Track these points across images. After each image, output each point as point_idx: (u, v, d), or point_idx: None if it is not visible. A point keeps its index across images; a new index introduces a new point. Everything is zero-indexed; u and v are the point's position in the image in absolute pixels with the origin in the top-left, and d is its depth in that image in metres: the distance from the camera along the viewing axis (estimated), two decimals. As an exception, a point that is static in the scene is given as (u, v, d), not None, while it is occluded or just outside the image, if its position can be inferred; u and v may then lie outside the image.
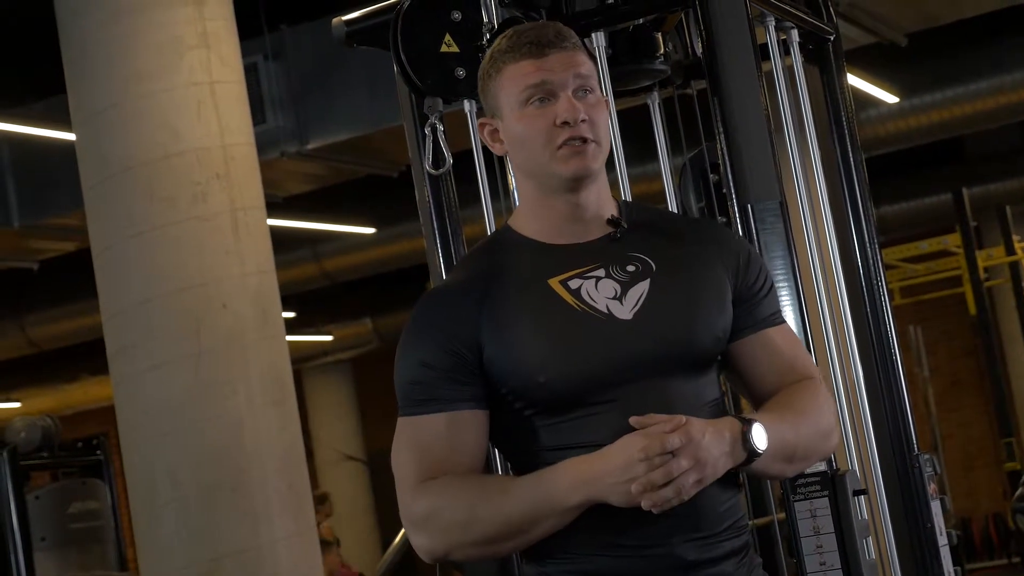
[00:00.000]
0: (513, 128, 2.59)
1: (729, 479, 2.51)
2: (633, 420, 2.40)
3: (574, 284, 2.55)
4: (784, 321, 2.72)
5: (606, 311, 2.53)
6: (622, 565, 2.47)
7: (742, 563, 2.55)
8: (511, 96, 2.58)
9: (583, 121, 2.54)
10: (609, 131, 2.62)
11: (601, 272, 2.57)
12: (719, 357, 2.63)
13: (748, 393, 2.69)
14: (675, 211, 3.74)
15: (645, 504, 2.35)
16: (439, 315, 2.57)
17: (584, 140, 2.55)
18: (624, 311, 2.53)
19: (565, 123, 2.54)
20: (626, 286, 2.56)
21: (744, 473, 2.55)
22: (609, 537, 2.47)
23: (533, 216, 2.64)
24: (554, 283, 2.55)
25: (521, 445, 2.56)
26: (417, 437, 2.54)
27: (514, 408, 2.53)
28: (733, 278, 2.63)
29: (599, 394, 2.49)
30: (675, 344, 2.52)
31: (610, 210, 2.64)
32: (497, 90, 2.61)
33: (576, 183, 2.57)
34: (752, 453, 2.44)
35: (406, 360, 2.57)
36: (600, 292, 2.55)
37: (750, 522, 2.68)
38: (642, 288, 2.55)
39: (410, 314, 2.61)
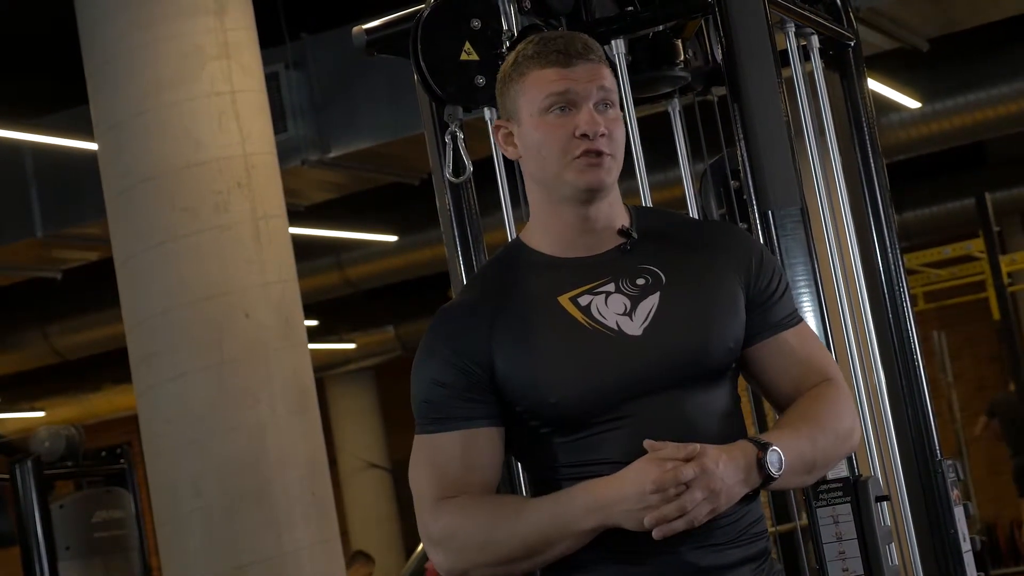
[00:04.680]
0: (530, 134, 2.58)
1: None
2: (647, 444, 2.39)
3: (584, 301, 2.55)
4: (801, 320, 2.69)
5: (616, 328, 2.52)
6: (635, 572, 2.47)
7: (759, 569, 2.55)
8: (532, 101, 2.57)
9: (602, 135, 2.54)
10: (623, 147, 2.60)
11: (611, 287, 2.56)
12: (733, 365, 2.61)
13: (767, 395, 2.68)
14: (695, 217, 3.73)
15: (656, 535, 2.36)
16: (451, 334, 2.57)
17: (601, 153, 2.54)
18: (634, 327, 2.52)
19: (584, 135, 2.53)
20: (636, 300, 2.55)
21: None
22: (622, 544, 2.46)
23: (543, 228, 2.63)
24: (564, 300, 2.55)
25: (540, 461, 2.56)
26: (433, 455, 2.55)
27: (530, 426, 2.54)
28: (746, 283, 2.62)
29: (612, 411, 2.48)
30: (686, 358, 2.51)
31: (621, 220, 2.63)
32: (517, 94, 2.60)
33: (589, 195, 2.56)
34: (767, 478, 2.44)
35: (420, 379, 2.58)
36: (610, 308, 2.54)
37: (771, 528, 2.66)
38: (652, 302, 2.54)
39: (424, 333, 2.62)
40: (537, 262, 2.61)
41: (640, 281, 2.57)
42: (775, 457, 2.43)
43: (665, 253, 2.61)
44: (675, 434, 2.43)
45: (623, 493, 2.38)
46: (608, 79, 2.58)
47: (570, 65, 2.55)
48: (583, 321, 2.52)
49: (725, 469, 2.38)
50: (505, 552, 2.48)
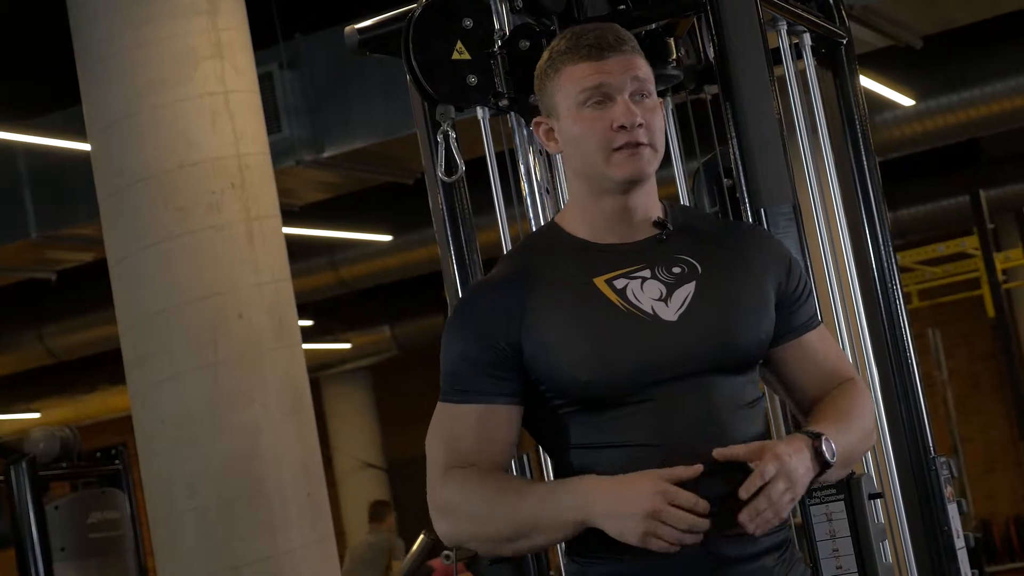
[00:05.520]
0: (569, 129, 2.61)
1: None
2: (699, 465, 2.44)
3: (620, 284, 2.57)
4: (821, 322, 2.75)
5: (651, 312, 2.55)
6: (663, 563, 2.49)
7: (782, 558, 2.59)
8: (568, 97, 2.60)
9: (639, 125, 2.57)
10: (664, 134, 2.64)
11: (647, 273, 2.59)
12: (761, 360, 2.65)
13: (789, 397, 2.73)
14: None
15: (752, 529, 2.44)
16: (482, 308, 2.60)
17: (639, 144, 2.57)
18: (669, 312, 2.55)
19: (622, 127, 2.56)
20: (671, 288, 2.58)
21: None
22: None
23: (581, 215, 2.66)
24: (599, 282, 2.58)
25: (558, 440, 2.59)
26: (450, 425, 2.59)
27: (552, 404, 2.56)
28: (776, 285, 2.66)
29: (639, 394, 2.51)
30: (719, 346, 2.55)
31: (657, 212, 2.66)
32: (554, 90, 2.63)
33: (629, 186, 2.60)
34: (825, 465, 2.49)
35: (448, 349, 2.62)
36: (646, 293, 2.57)
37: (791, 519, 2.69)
38: (688, 290, 2.58)
39: (455, 302, 2.64)
40: (573, 245, 2.64)
41: (676, 269, 2.60)
42: (828, 446, 2.49)
43: (700, 246, 2.65)
44: (699, 419, 2.49)
45: (620, 496, 2.42)
46: (642, 69, 2.62)
47: (603, 58, 2.58)
48: (618, 303, 2.56)
49: (796, 460, 2.44)
50: (501, 529, 2.52)
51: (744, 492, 2.42)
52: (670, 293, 2.57)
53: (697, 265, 2.61)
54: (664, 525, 2.37)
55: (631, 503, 2.39)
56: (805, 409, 2.69)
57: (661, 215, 2.66)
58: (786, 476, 2.41)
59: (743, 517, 2.40)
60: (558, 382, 2.53)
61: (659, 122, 2.61)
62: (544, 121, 2.69)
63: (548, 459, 2.70)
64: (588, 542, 2.53)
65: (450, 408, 2.60)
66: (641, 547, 2.41)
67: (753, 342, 2.59)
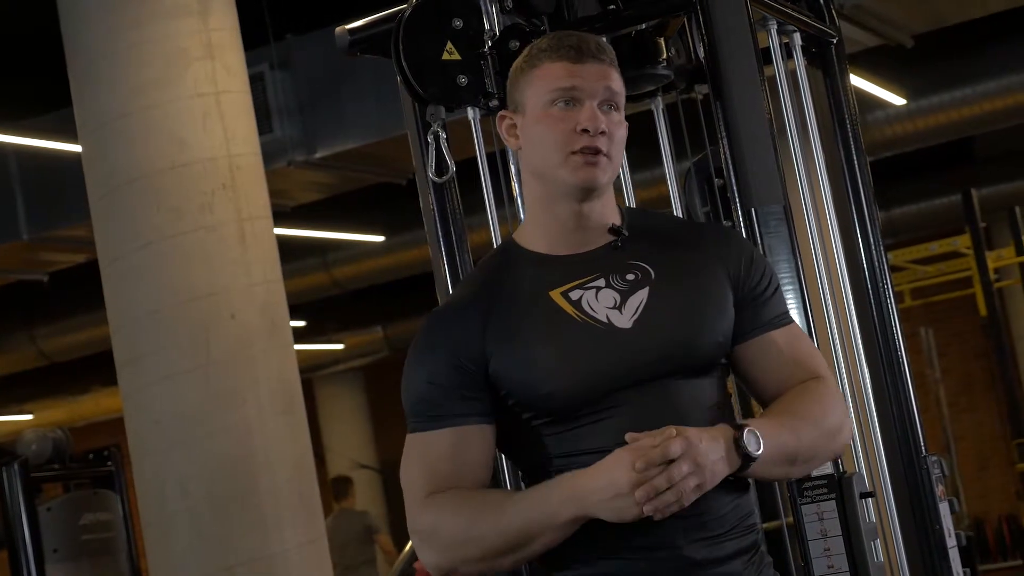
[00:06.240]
0: (533, 125, 2.62)
1: (733, 479, 2.52)
2: (628, 437, 2.41)
3: (575, 295, 2.58)
4: (791, 321, 2.72)
5: (606, 320, 2.56)
6: (632, 568, 2.50)
7: (751, 561, 2.57)
8: (539, 93, 2.61)
9: (602, 133, 2.57)
10: (622, 150, 2.64)
11: (601, 282, 2.60)
12: (723, 360, 2.64)
13: (756, 395, 2.71)
14: (680, 216, 3.74)
15: (647, 509, 2.37)
16: (445, 332, 2.61)
17: (598, 152, 2.57)
18: (624, 320, 2.56)
19: (585, 131, 2.57)
20: (625, 295, 2.58)
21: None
22: (618, 541, 2.49)
23: (537, 226, 2.67)
24: (555, 295, 2.59)
25: (530, 454, 2.59)
26: (425, 453, 2.57)
27: (522, 418, 2.57)
28: (734, 281, 2.64)
29: (603, 402, 2.51)
30: (675, 349, 2.54)
31: (613, 219, 2.66)
32: (526, 85, 2.64)
33: (583, 193, 2.60)
34: (746, 458, 2.45)
35: (413, 378, 2.61)
36: (600, 302, 2.58)
37: (759, 523, 2.68)
38: (641, 296, 2.58)
39: (416, 333, 2.64)
40: (529, 259, 2.65)
41: (630, 276, 2.60)
42: (752, 438, 2.45)
43: (655, 251, 2.64)
44: (664, 424, 2.44)
45: (597, 483, 2.41)
46: (616, 82, 2.63)
47: (581, 62, 2.60)
48: (574, 314, 2.56)
49: (708, 445, 2.40)
50: (488, 546, 2.50)
51: (631, 438, 2.39)
52: (624, 300, 2.58)
53: (651, 270, 2.61)
54: (651, 487, 2.35)
55: (612, 484, 2.38)
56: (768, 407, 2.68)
57: (617, 222, 2.66)
58: (692, 460, 2.37)
59: (639, 493, 2.35)
60: (523, 396, 2.54)
61: (621, 136, 2.62)
62: (509, 115, 2.69)
63: (523, 476, 2.68)
64: (558, 552, 2.53)
65: (422, 437, 2.58)
66: (649, 517, 2.39)
67: (710, 343, 2.58)
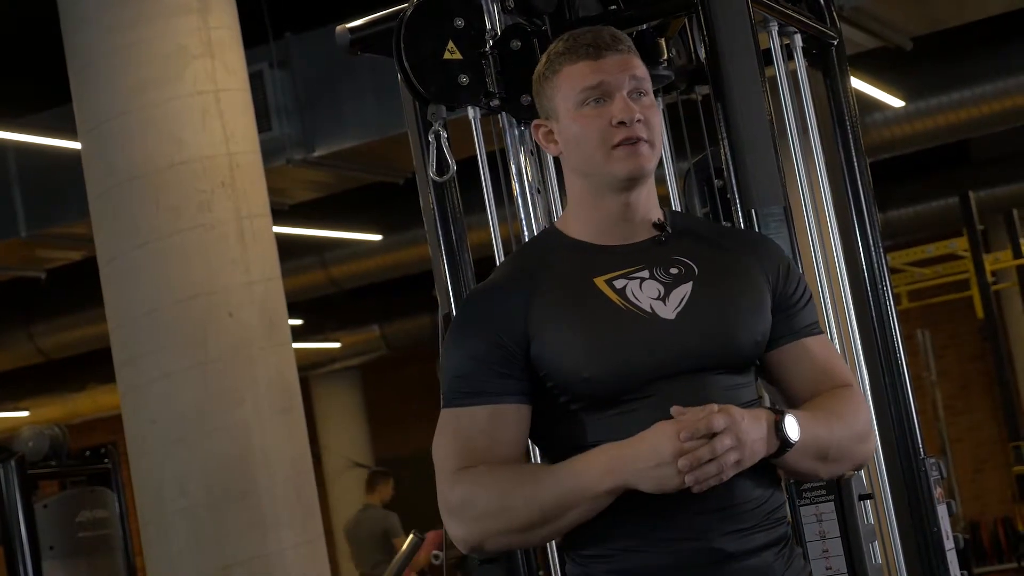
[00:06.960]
0: (569, 128, 2.65)
1: (765, 470, 2.55)
2: (674, 410, 2.43)
3: (619, 283, 2.61)
4: (822, 332, 2.77)
5: (650, 310, 2.58)
6: (663, 560, 2.52)
7: (781, 553, 2.60)
8: (568, 97, 2.65)
9: (638, 121, 2.60)
10: (662, 133, 2.68)
11: (645, 273, 2.62)
12: (757, 362, 2.68)
13: (785, 401, 2.74)
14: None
15: (689, 479, 2.39)
16: (488, 309, 2.62)
17: (638, 139, 2.60)
18: (667, 311, 2.59)
19: (621, 123, 2.60)
20: (669, 287, 2.61)
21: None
22: (649, 532, 2.52)
23: (582, 217, 2.70)
24: (600, 282, 2.61)
25: (563, 439, 2.60)
26: (459, 428, 2.58)
27: (559, 402, 2.58)
28: (772, 287, 2.69)
29: (642, 390, 2.54)
30: (716, 344, 2.58)
31: (656, 214, 2.70)
32: (553, 91, 2.67)
33: (630, 183, 2.63)
34: (784, 442, 2.49)
35: (454, 353, 2.62)
36: (644, 292, 2.60)
37: (788, 516, 2.70)
38: (685, 290, 2.61)
39: (457, 310, 2.65)
40: (573, 246, 2.68)
41: (674, 270, 2.64)
42: (792, 423, 2.49)
43: (697, 249, 2.68)
44: None
45: (638, 452, 2.42)
46: (639, 68, 2.66)
47: (601, 57, 2.63)
48: (618, 302, 2.59)
49: (750, 424, 2.44)
50: (522, 518, 2.51)
51: (676, 412, 2.42)
52: (668, 293, 2.60)
53: (694, 266, 2.64)
54: (694, 457, 2.38)
55: (655, 453, 2.40)
56: None
57: (661, 218, 2.70)
58: (734, 435, 2.40)
59: (683, 462, 2.37)
60: (562, 379, 2.55)
61: (657, 119, 2.65)
62: (543, 124, 2.72)
63: (549, 460, 2.68)
64: (585, 540, 2.55)
65: (457, 412, 2.59)
66: (683, 506, 2.43)
67: (749, 342, 2.62)
